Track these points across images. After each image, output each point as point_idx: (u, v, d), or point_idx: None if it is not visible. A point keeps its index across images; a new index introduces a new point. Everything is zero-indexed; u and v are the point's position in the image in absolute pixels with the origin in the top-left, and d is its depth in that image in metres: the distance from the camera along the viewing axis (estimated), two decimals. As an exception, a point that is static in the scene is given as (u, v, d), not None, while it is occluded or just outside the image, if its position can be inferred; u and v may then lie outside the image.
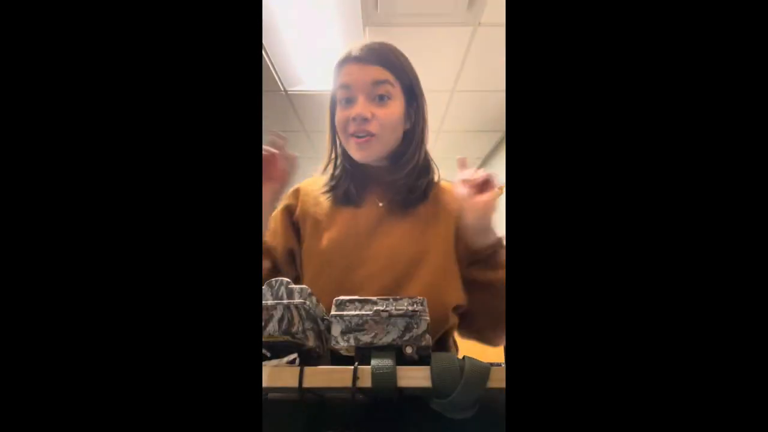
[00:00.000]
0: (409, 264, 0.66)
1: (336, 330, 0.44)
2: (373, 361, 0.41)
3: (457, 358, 0.42)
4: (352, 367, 0.40)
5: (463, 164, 0.65)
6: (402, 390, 0.41)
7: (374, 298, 0.46)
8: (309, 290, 0.46)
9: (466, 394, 0.39)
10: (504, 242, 0.68)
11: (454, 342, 0.74)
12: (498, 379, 0.40)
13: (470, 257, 0.70)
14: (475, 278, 0.70)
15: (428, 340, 0.43)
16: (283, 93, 2.20)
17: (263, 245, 0.71)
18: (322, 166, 0.77)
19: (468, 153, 3.08)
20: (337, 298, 0.46)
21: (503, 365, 0.42)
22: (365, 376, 0.40)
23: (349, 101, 0.67)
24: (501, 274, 0.68)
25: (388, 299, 0.45)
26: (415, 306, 0.44)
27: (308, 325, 0.44)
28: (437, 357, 0.42)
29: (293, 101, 2.29)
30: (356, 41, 0.69)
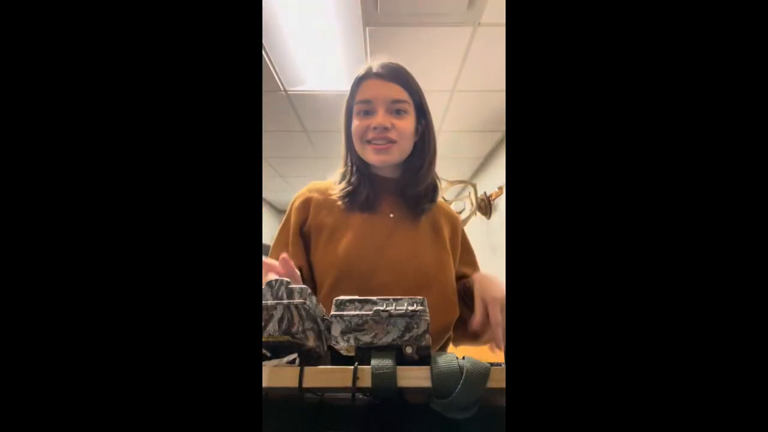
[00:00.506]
0: (425, 271, 0.70)
1: (336, 330, 0.44)
2: (373, 361, 0.41)
3: (457, 358, 0.42)
4: (352, 367, 0.40)
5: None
6: (403, 393, 0.41)
7: (374, 298, 0.45)
8: (309, 290, 0.46)
9: (466, 394, 0.39)
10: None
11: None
12: (498, 379, 0.40)
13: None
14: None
15: (428, 340, 0.43)
16: (283, 93, 2.20)
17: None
18: (337, 174, 0.79)
19: (468, 153, 3.08)
20: (337, 297, 0.46)
21: (503, 365, 0.41)
22: (365, 376, 0.40)
23: (369, 113, 0.72)
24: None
25: (388, 299, 0.45)
26: (415, 306, 0.44)
27: (308, 325, 0.44)
28: (437, 357, 0.42)
29: (293, 101, 2.29)
30: (376, 59, 0.73)
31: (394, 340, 0.43)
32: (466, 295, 0.73)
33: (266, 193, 4.44)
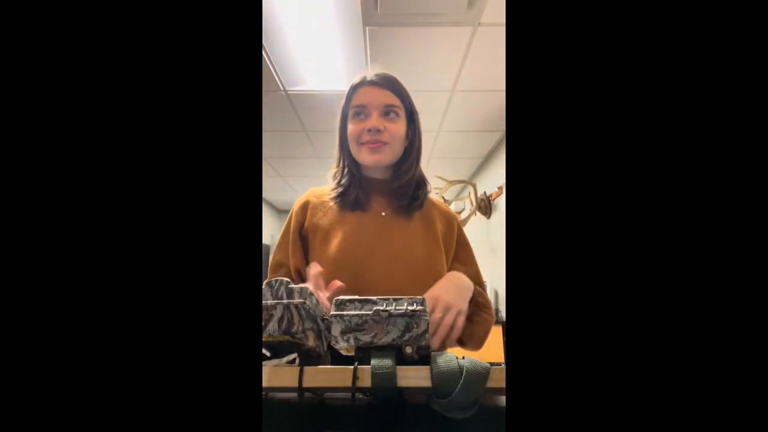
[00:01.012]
0: (416, 265, 0.73)
1: (336, 330, 0.44)
2: (373, 361, 0.41)
3: (457, 358, 0.42)
4: (352, 366, 0.40)
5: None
6: (403, 393, 0.41)
7: (374, 298, 0.45)
8: (309, 290, 0.46)
9: (466, 394, 0.39)
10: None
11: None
12: (498, 379, 0.40)
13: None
14: None
15: (428, 340, 0.43)
16: (283, 93, 2.20)
17: (273, 261, 0.78)
18: (330, 174, 0.84)
19: (468, 153, 3.08)
20: (336, 297, 0.46)
21: (503, 365, 0.42)
22: (365, 376, 0.40)
23: (364, 117, 0.77)
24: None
25: (388, 299, 0.45)
26: (415, 306, 0.44)
27: (308, 324, 0.44)
28: (437, 357, 0.42)
29: (293, 101, 2.29)
30: (370, 69, 0.80)
31: (393, 339, 0.43)
32: None
33: (266, 193, 4.44)
